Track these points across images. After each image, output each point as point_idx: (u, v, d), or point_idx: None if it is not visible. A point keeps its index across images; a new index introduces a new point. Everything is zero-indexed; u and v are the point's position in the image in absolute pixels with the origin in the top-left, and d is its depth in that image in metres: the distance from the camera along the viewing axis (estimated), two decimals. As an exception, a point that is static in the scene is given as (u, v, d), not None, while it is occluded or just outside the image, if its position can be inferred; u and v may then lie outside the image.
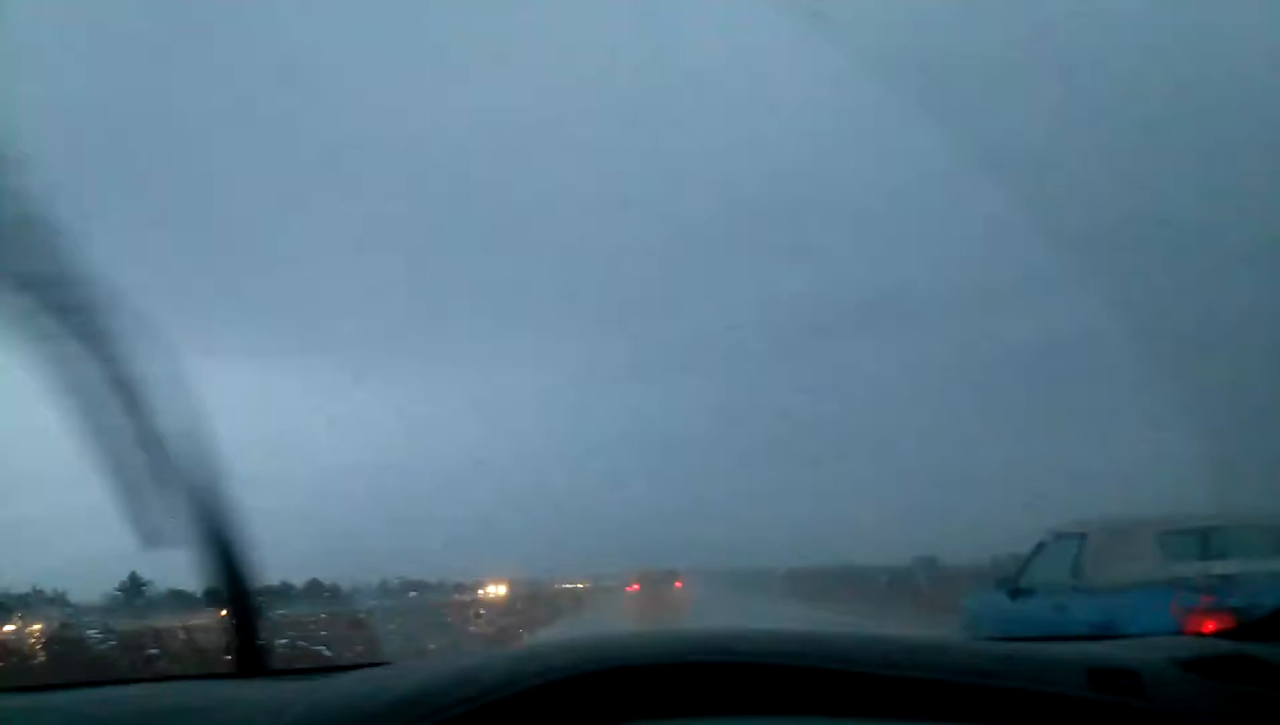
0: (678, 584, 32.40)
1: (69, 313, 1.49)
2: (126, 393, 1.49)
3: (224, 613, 1.54)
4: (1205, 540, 5.73)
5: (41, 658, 11.92)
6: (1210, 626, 4.78)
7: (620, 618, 23.50)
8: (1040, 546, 6.68)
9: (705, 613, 22.93)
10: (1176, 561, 5.49)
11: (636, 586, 32.97)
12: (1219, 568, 5.30)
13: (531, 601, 32.88)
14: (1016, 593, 6.62)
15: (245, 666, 1.51)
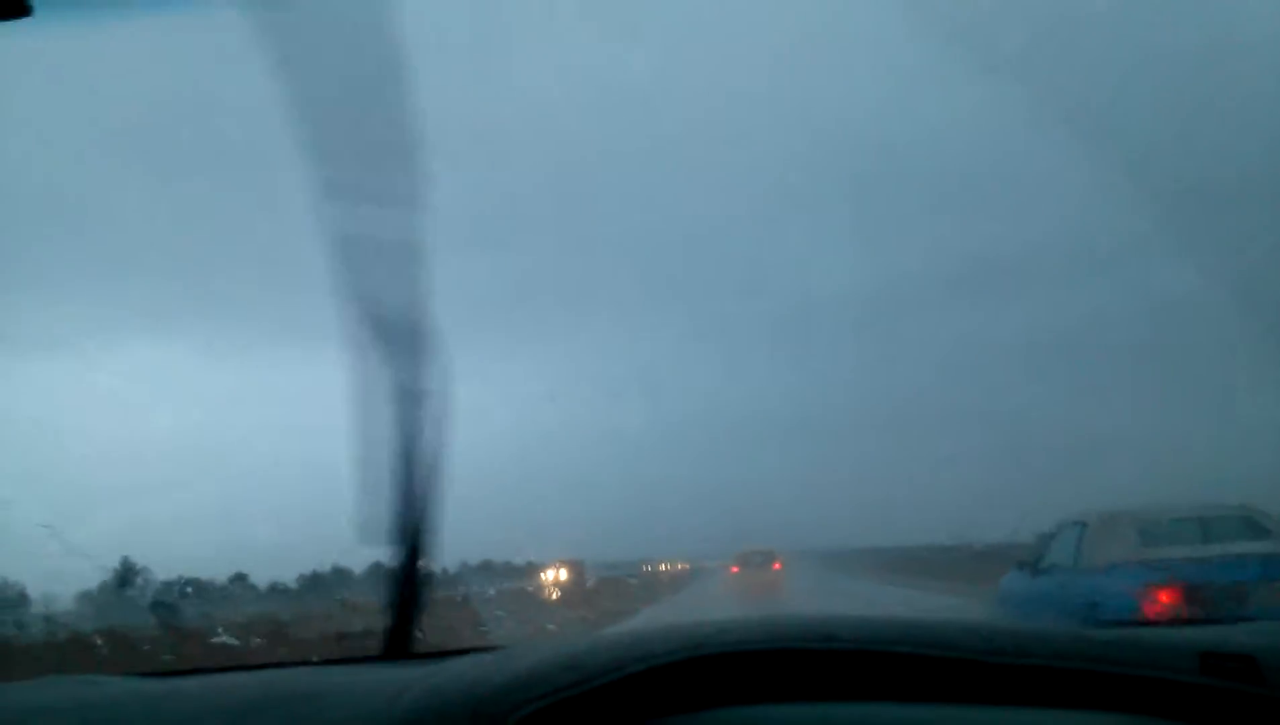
0: (776, 564, 32.31)
1: (388, 328, 1.59)
2: (407, 405, 1.58)
3: (388, 599, 1.61)
4: (1179, 528, 6.92)
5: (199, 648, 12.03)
6: (1165, 598, 6.06)
7: (723, 597, 24.80)
8: (1054, 533, 7.94)
9: (801, 591, 24.31)
10: (1152, 546, 6.71)
11: (736, 568, 33.57)
12: (1184, 552, 6.52)
13: (635, 584, 34.49)
14: (1036, 572, 7.90)
15: (391, 650, 1.58)
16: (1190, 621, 5.37)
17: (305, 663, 1.55)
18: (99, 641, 12.16)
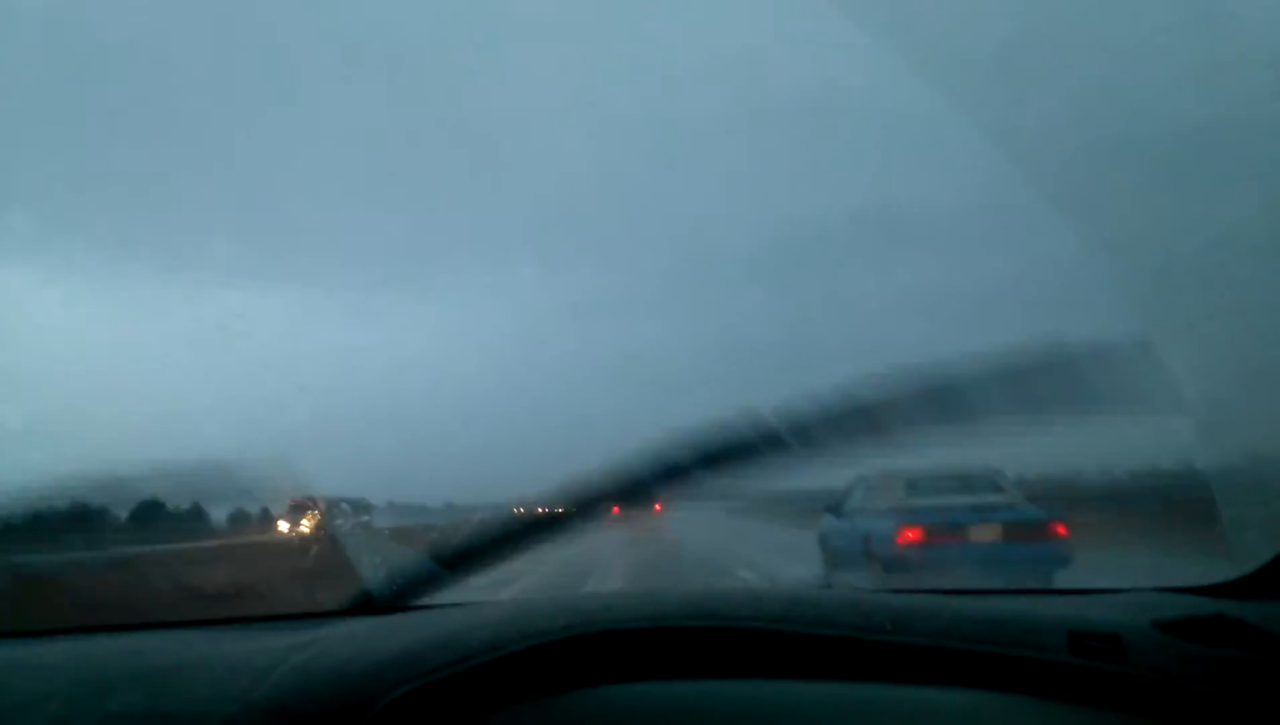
0: (657, 507, 34.48)
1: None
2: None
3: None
4: (936, 485, 9.11)
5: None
6: (910, 535, 8.20)
7: (607, 539, 26.82)
8: (852, 484, 10.12)
9: (680, 529, 26.72)
10: (914, 497, 8.88)
11: (616, 510, 35.06)
12: (931, 502, 8.70)
13: (433, 537, 35.58)
14: (839, 515, 10.07)
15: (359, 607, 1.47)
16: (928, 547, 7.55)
17: (169, 624, 1.43)
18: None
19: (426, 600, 1.51)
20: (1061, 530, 8.38)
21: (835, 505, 10.36)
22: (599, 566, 15.98)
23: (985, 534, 8.17)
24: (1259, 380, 1.50)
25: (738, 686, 0.88)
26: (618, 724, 0.85)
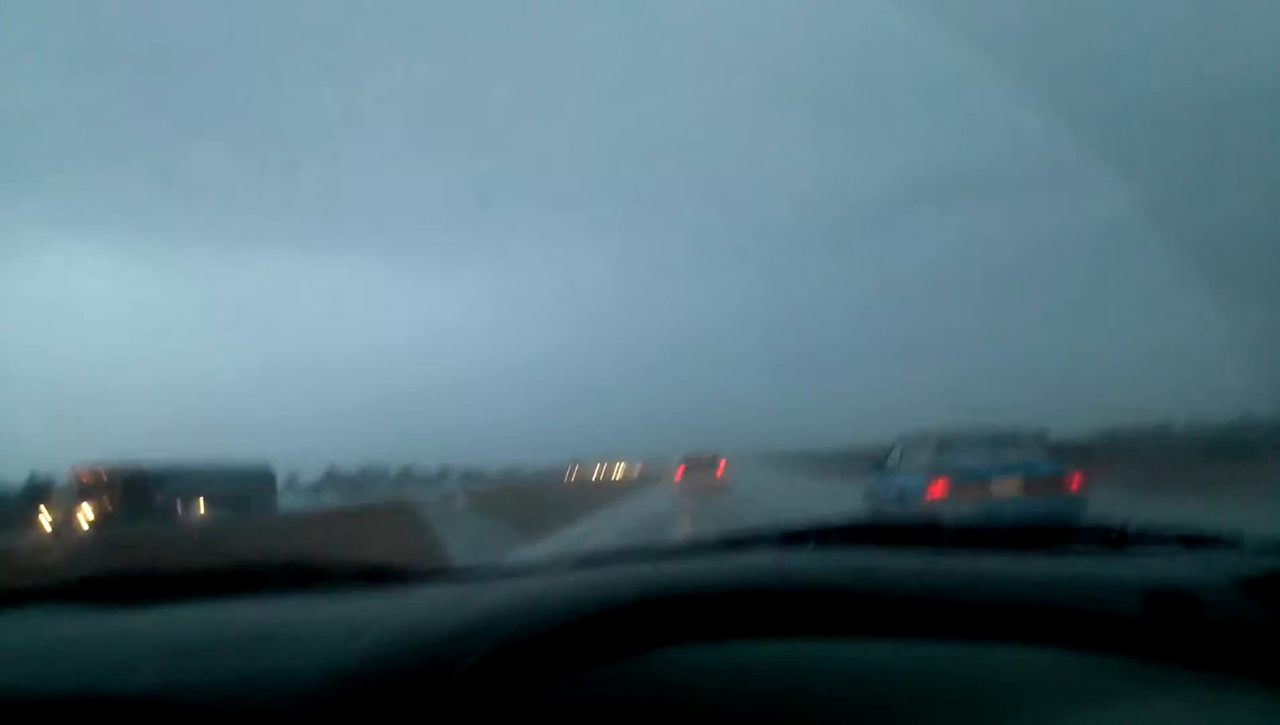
0: (719, 468, 33.82)
1: None
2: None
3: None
4: (966, 443, 10.36)
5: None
6: (937, 489, 9.48)
7: (675, 496, 28.28)
8: (895, 444, 11.43)
9: (742, 486, 28.29)
10: (944, 455, 10.15)
11: (682, 470, 33.96)
12: (959, 460, 9.96)
13: (599, 485, 36.85)
14: (881, 472, 11.40)
15: (303, 578, 1.42)
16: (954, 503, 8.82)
17: (256, 589, 1.38)
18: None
19: (506, 563, 1.55)
20: (1076, 482, 9.57)
21: (879, 463, 11.69)
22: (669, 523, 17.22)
23: (1006, 487, 9.41)
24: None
25: (810, 646, 0.90)
26: (691, 684, 0.87)
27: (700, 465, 33.42)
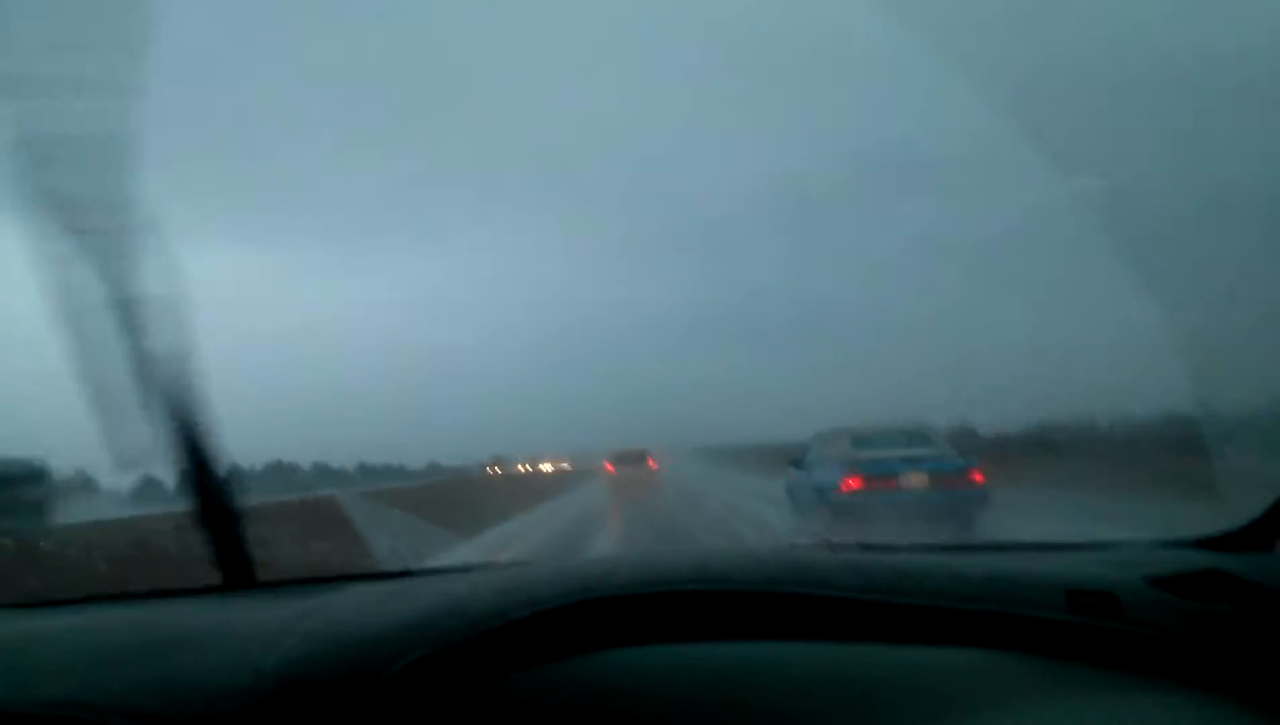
0: (650, 461, 33.41)
1: (90, 236, 1.39)
2: (124, 314, 1.41)
3: (203, 523, 1.41)
4: (878, 439, 10.90)
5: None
6: (851, 483, 9.97)
7: (601, 492, 28.26)
8: (812, 441, 11.96)
9: (671, 480, 28.68)
10: (859, 450, 10.67)
11: (610, 467, 33.14)
12: (871, 454, 10.48)
13: (521, 482, 34.40)
14: (800, 467, 11.92)
15: (233, 579, 1.40)
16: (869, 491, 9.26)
17: (174, 592, 1.37)
18: None
19: (430, 564, 1.60)
20: (978, 477, 10.15)
21: (798, 459, 12.20)
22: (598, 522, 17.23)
23: (914, 481, 9.95)
24: (1256, 329, 1.51)
25: (739, 648, 0.89)
26: (621, 687, 0.86)
27: (629, 460, 32.93)
